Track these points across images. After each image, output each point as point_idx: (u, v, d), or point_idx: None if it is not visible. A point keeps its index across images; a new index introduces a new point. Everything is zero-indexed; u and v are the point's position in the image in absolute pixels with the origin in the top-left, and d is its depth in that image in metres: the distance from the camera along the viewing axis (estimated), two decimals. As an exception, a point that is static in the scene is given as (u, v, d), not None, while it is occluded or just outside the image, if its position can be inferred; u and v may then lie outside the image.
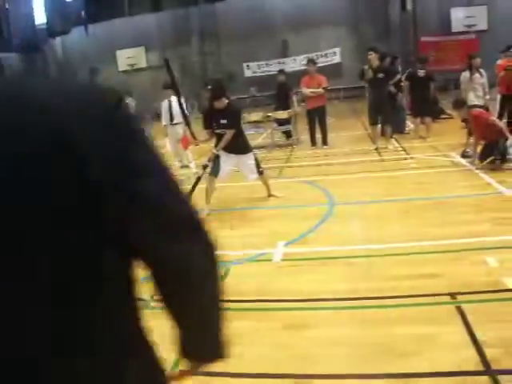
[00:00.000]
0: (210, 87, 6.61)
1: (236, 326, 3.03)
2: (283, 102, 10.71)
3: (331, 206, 5.76)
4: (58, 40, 28.45)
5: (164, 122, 10.28)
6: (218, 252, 0.95)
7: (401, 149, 8.87)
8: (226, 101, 5.96)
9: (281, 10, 22.99)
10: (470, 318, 2.91)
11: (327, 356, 2.74)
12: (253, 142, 11.38)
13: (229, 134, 5.92)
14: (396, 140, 9.54)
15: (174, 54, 25.40)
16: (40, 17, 27.98)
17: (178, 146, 9.37)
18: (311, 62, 9.99)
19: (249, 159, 6.19)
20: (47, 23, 27.99)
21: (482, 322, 2.86)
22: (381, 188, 6.39)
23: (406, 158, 8.02)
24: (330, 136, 10.45)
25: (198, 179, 6.13)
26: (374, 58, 8.52)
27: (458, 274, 3.54)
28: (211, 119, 6.05)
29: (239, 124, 6.14)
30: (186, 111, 6.84)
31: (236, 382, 2.63)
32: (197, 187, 6.05)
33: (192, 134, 6.41)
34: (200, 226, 0.92)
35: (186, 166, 9.35)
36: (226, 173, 6.20)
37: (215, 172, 6.04)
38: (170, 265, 0.88)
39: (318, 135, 10.09)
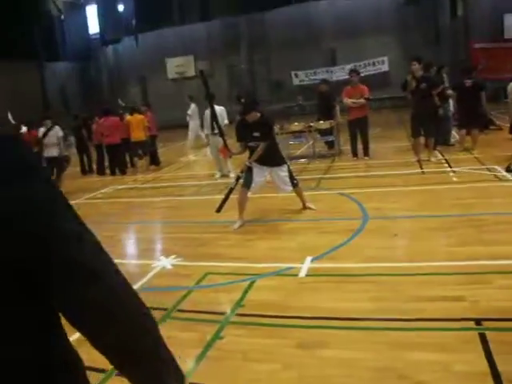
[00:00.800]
0: (242, 100, 6.65)
1: (247, 342, 3.08)
2: (326, 111, 10.64)
3: (364, 221, 5.65)
4: (110, 48, 29.56)
5: (206, 131, 10.47)
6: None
7: (444, 161, 8.60)
8: (258, 114, 5.99)
9: (328, 19, 22.90)
10: (492, 346, 2.78)
11: (339, 378, 2.69)
12: (294, 152, 11.43)
13: (261, 146, 5.95)
14: (440, 152, 9.27)
15: (223, 62, 25.85)
16: (93, 27, 29.30)
17: (219, 155, 9.49)
18: (354, 71, 9.88)
19: (282, 171, 6.18)
20: (100, 33, 29.24)
21: (505, 352, 2.72)
22: (418, 203, 6.23)
23: (447, 172, 7.77)
24: (373, 147, 10.29)
25: (231, 190, 6.18)
26: (417, 68, 8.31)
27: (486, 299, 3.38)
28: (244, 132, 6.10)
29: (272, 136, 6.15)
30: (219, 122, 6.93)
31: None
32: (229, 198, 6.12)
33: (226, 145, 6.47)
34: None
35: (226, 176, 9.47)
36: (259, 185, 6.21)
37: (247, 184, 6.07)
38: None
39: (360, 146, 9.95)
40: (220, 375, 2.88)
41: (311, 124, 10.57)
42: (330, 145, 11.02)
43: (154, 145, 13.25)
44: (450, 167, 8.04)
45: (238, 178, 6.24)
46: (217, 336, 3.35)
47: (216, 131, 9.23)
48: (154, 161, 13.08)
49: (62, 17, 27.39)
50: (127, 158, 13.29)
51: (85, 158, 13.43)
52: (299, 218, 6.20)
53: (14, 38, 23.02)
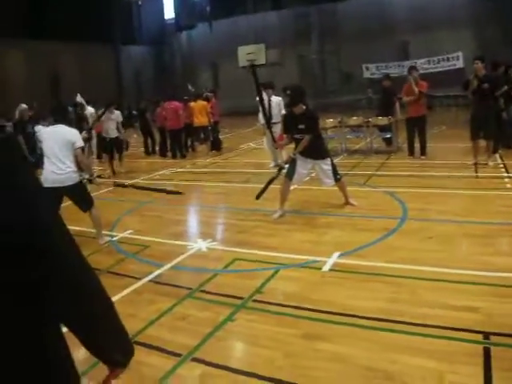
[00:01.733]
0: (288, 92, 6.71)
1: (256, 327, 3.21)
2: (385, 107, 10.45)
3: (402, 221, 5.58)
4: (184, 34, 30.33)
5: (262, 121, 10.59)
6: None
7: (502, 166, 8.21)
8: (304, 106, 6.04)
9: (402, 11, 22.16)
10: (494, 362, 2.71)
11: (329, 371, 2.76)
12: (352, 146, 11.33)
13: (306, 139, 6.00)
14: (501, 156, 8.85)
15: (293, 51, 25.79)
16: (169, 12, 30.21)
17: (273, 145, 9.60)
18: (413, 68, 9.60)
19: (325, 164, 6.21)
20: (175, 18, 30.08)
21: (506, 369, 2.66)
22: (464, 207, 6.04)
23: (503, 177, 7.43)
24: (433, 146, 10.00)
25: (272, 179, 6.31)
26: (479, 66, 7.93)
27: (501, 313, 3.28)
28: (290, 124, 6.17)
29: (317, 129, 6.18)
30: (267, 114, 7.03)
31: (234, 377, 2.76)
32: (273, 188, 6.25)
33: (273, 137, 6.59)
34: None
35: (279, 166, 9.56)
36: (301, 177, 6.29)
37: (290, 175, 6.15)
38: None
39: (418, 145, 9.70)
40: (220, 354, 3.04)
41: (369, 119, 10.41)
42: (388, 141, 10.80)
43: (216, 131, 13.58)
44: (508, 173, 7.67)
45: (280, 169, 6.35)
46: (229, 318, 3.51)
47: (273, 121, 9.36)
48: (215, 146, 13.42)
49: (140, 2, 28.42)
50: (189, 143, 13.74)
51: (149, 140, 14.01)
52: (338, 212, 6.21)
53: (94, 22, 24.25)
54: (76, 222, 6.17)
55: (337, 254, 4.67)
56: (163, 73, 29.64)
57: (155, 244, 5.49)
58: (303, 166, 6.21)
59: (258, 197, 6.33)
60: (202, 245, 5.31)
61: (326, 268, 4.37)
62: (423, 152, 9.55)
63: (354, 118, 11.13)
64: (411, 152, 9.70)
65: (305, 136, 6.03)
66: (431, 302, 3.53)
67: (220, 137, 14.03)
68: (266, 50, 26.67)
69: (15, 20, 20.69)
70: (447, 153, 9.95)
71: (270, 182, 6.32)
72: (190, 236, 5.70)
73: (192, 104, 12.99)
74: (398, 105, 10.38)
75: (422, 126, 9.41)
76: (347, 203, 6.45)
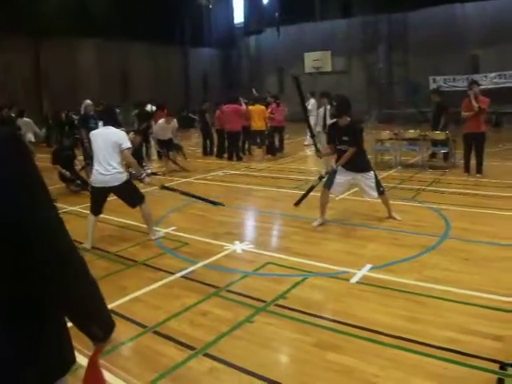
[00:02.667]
0: (334, 104, 6.73)
1: (273, 331, 3.30)
2: (436, 122, 10.23)
3: (442, 239, 5.46)
4: (252, 38, 30.78)
5: (318, 129, 10.64)
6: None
7: None
8: (348, 118, 6.05)
9: (473, 23, 21.31)
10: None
11: (332, 382, 2.80)
12: (406, 160, 11.11)
13: (350, 151, 6.01)
14: None
15: (360, 60, 25.52)
16: (238, 17, 30.81)
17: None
18: (474, 83, 9.27)
19: (368, 177, 6.18)
20: (244, 23, 30.62)
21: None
22: (510, 230, 5.81)
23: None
24: (493, 164, 9.65)
25: (312, 187, 6.36)
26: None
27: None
28: (334, 135, 6.20)
29: (360, 142, 6.16)
30: (311, 126, 7.08)
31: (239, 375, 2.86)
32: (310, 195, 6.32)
33: (316, 147, 6.65)
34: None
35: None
36: (340, 188, 6.30)
37: (328, 185, 6.19)
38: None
39: (474, 162, 9.37)
40: (232, 352, 3.14)
41: (426, 133, 10.19)
42: (445, 157, 10.52)
43: (271, 135, 13.70)
44: None
45: (320, 178, 6.38)
46: (248, 319, 3.61)
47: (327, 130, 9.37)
48: (270, 151, 13.55)
49: (210, 6, 29.17)
50: (246, 146, 13.96)
51: (208, 141, 14.39)
52: (379, 225, 6.15)
53: (165, 24, 25.14)
54: (122, 215, 6.50)
55: (368, 266, 4.66)
56: (229, 76, 30.20)
57: (194, 242, 5.69)
58: (343, 177, 6.21)
59: (297, 203, 6.41)
60: (238, 246, 5.45)
61: (353, 280, 4.38)
62: (479, 170, 9.22)
63: (411, 130, 10.90)
64: (467, 169, 9.39)
65: (348, 148, 6.04)
66: (455, 325, 3.45)
67: (283, 141, 14.14)
68: (332, 57, 26.69)
69: (88, 18, 21.86)
70: (505, 172, 9.54)
71: (309, 190, 6.38)
72: (229, 237, 5.84)
73: (250, 107, 13.21)
74: (443, 120, 10.15)
75: (479, 143, 9.09)
76: (390, 217, 6.39)
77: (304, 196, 6.39)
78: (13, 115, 11.50)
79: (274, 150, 13.57)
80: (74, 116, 14.18)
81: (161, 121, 11.34)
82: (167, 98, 19.04)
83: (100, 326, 1.37)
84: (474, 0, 21.74)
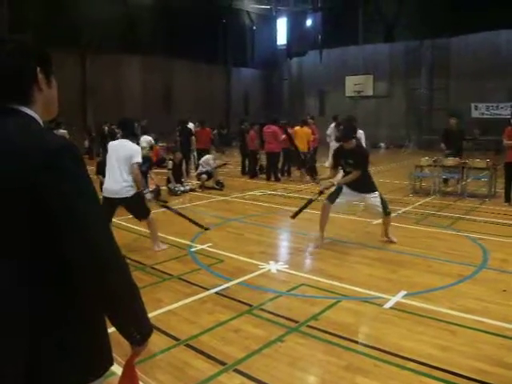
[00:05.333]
0: (341, 127, 6.85)
1: (303, 352, 3.36)
2: (457, 148, 10.24)
3: (479, 269, 5.40)
4: (294, 60, 31.17)
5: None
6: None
7: None
8: (354, 141, 6.17)
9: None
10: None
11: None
12: (445, 188, 10.98)
13: (354, 173, 6.13)
14: None
15: (402, 84, 25.43)
16: (281, 38, 31.34)
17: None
18: (517, 111, 9.18)
19: (373, 197, 6.31)
20: (287, 45, 31.10)
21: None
22: (552, 264, 5.68)
23: None
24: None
25: (310, 202, 6.44)
26: None
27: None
28: (339, 158, 6.32)
29: (365, 166, 6.26)
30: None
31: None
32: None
33: (309, 172, 6.79)
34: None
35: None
36: (342, 205, 6.46)
37: (332, 199, 6.33)
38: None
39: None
40: (261, 370, 3.21)
41: (466, 161, 10.07)
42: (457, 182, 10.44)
43: (314, 158, 13.77)
44: None
45: (320, 193, 6.48)
46: (279, 339, 3.68)
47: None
48: (310, 173, 13.60)
49: (254, 27, 29.80)
50: (285, 167, 14.07)
51: (246, 161, 14.60)
52: (413, 252, 6.12)
53: (209, 43, 25.86)
54: (160, 230, 6.67)
55: (403, 293, 4.66)
56: (270, 96, 30.59)
57: (229, 259, 5.81)
58: (348, 195, 6.35)
59: (293, 216, 6.54)
60: (273, 266, 5.54)
61: (387, 305, 4.38)
62: (520, 200, 9.04)
63: (450, 158, 10.78)
64: (507, 199, 9.21)
65: (353, 171, 6.16)
66: (487, 356, 3.42)
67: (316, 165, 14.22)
68: (374, 81, 26.68)
69: (134, 36, 22.77)
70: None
71: (308, 203, 6.50)
72: (264, 256, 5.94)
73: (297, 129, 13.39)
74: (462, 145, 10.24)
75: (520, 172, 8.93)
76: (387, 239, 6.51)
77: (301, 209, 6.52)
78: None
79: (313, 173, 13.62)
80: (117, 130, 14.74)
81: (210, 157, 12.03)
82: (208, 115, 19.48)
83: (138, 328, 1.45)
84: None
